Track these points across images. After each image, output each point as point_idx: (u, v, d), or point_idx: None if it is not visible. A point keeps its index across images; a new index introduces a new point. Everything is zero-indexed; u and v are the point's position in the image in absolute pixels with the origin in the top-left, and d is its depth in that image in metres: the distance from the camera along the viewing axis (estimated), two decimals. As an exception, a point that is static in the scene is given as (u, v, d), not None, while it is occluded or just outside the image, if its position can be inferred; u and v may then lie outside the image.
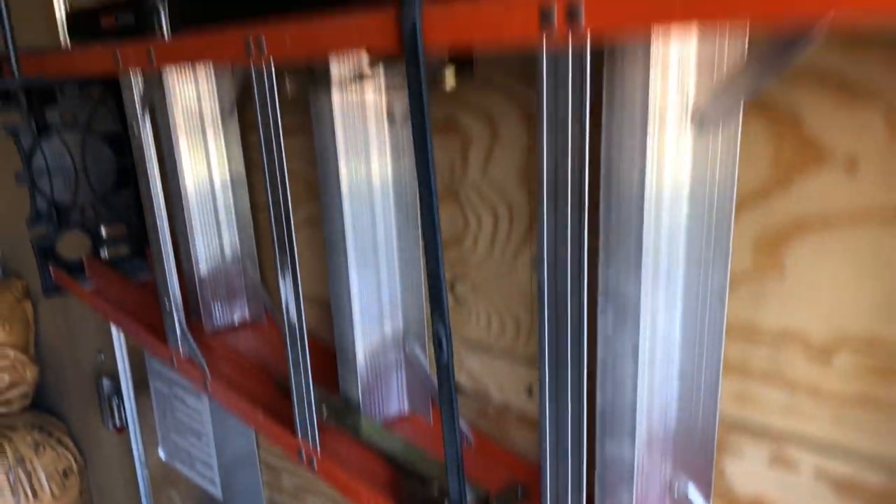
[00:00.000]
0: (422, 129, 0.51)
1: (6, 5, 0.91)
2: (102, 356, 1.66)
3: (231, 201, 1.03)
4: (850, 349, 0.53)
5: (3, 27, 0.92)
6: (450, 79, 0.58)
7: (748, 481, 0.61)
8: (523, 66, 0.67)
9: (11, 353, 1.84)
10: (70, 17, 1.34)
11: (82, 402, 1.84)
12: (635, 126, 0.51)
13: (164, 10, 1.03)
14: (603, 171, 0.53)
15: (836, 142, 0.51)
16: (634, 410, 0.57)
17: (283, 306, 0.75)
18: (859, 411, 0.53)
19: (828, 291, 0.53)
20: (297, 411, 0.79)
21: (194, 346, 0.93)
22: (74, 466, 1.87)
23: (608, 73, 0.51)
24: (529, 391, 0.76)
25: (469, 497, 0.70)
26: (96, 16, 1.23)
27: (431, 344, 0.60)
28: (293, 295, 0.73)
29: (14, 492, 1.74)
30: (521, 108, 0.69)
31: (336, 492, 0.80)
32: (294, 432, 0.80)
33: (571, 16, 0.42)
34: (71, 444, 1.89)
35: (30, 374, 1.89)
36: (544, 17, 0.43)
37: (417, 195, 0.71)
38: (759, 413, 0.59)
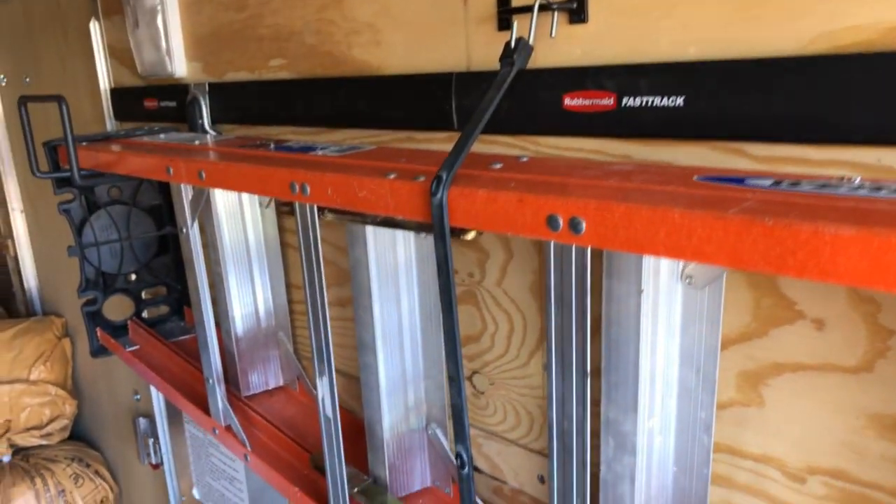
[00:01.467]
0: (448, 291, 0.59)
1: (67, 110, 1.00)
2: (139, 397, 1.76)
3: (267, 280, 1.12)
4: (820, 477, 0.61)
5: (64, 127, 1.01)
6: (471, 235, 0.67)
7: (733, 581, 0.69)
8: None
9: (52, 389, 1.95)
10: (114, 92, 1.44)
11: (119, 436, 1.94)
12: (630, 286, 0.59)
13: (206, 104, 1.13)
14: (604, 327, 0.61)
15: (807, 304, 0.59)
16: (632, 523, 0.65)
17: (320, 403, 0.84)
18: (827, 532, 0.62)
19: (800, 425, 0.62)
20: (330, 492, 0.88)
21: (235, 420, 1.02)
22: (111, 497, 1.98)
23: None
24: (542, 479, 0.85)
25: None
26: (140, 96, 1.33)
27: (451, 424, 0.67)
28: (329, 395, 0.82)
29: (55, 522, 1.85)
30: (533, 234, 0.77)
31: (366, 563, 0.89)
32: (328, 509, 0.89)
33: (575, 226, 0.50)
34: (108, 475, 2.00)
35: (69, 407, 2.00)
36: (551, 223, 0.51)
37: (439, 303, 0.80)
38: (743, 522, 0.67)
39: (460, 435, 0.65)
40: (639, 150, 0.66)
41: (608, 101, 0.66)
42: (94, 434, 2.09)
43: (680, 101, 0.61)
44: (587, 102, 0.68)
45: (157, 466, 1.74)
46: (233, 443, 1.04)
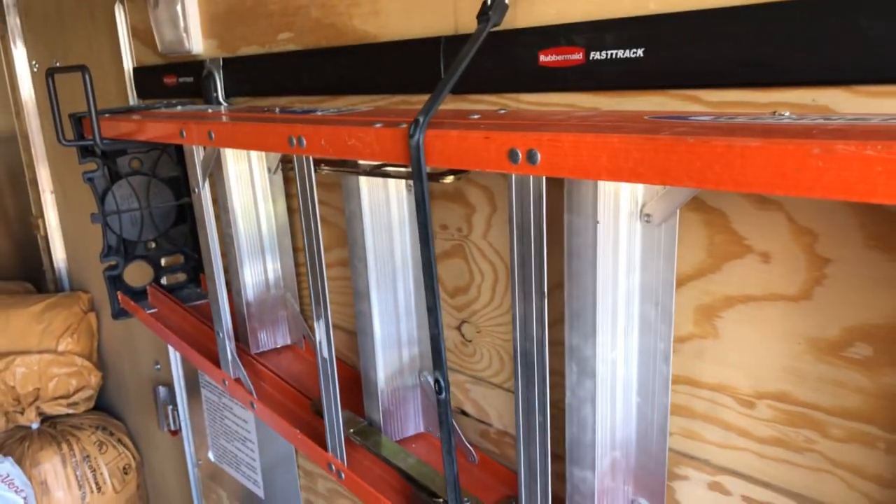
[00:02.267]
0: (425, 228, 0.65)
1: (90, 80, 1.08)
2: (159, 366, 1.85)
3: (275, 243, 1.19)
4: (767, 401, 0.66)
5: (87, 99, 1.09)
6: (449, 178, 0.73)
7: (692, 502, 0.74)
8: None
9: (79, 360, 2.04)
10: (136, 71, 1.52)
11: (140, 406, 2.03)
12: (588, 219, 0.65)
13: (220, 78, 1.20)
14: (566, 258, 0.67)
15: (755, 239, 0.64)
16: (594, 445, 0.70)
17: (318, 346, 0.90)
18: (774, 450, 0.66)
19: (749, 354, 0.67)
20: (328, 431, 0.94)
21: (243, 372, 1.09)
22: (133, 464, 2.06)
23: (568, 182, 0.65)
24: (523, 420, 0.90)
25: (469, 509, 0.84)
26: (160, 73, 1.41)
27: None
28: (325, 338, 0.88)
29: (80, 486, 1.94)
30: (514, 187, 0.83)
31: (360, 500, 0.95)
32: (325, 448, 0.95)
33: (531, 157, 0.56)
34: (130, 444, 2.08)
35: (94, 379, 2.10)
36: (511, 156, 0.57)
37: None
38: (701, 447, 0.72)
39: (437, 363, 0.71)
40: (606, 102, 0.72)
41: (578, 56, 0.72)
42: (117, 404, 2.19)
43: (640, 52, 0.66)
44: (560, 58, 0.73)
45: (176, 433, 1.82)
46: (241, 393, 1.11)
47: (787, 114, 0.54)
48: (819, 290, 0.61)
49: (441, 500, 0.85)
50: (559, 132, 0.54)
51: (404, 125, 0.67)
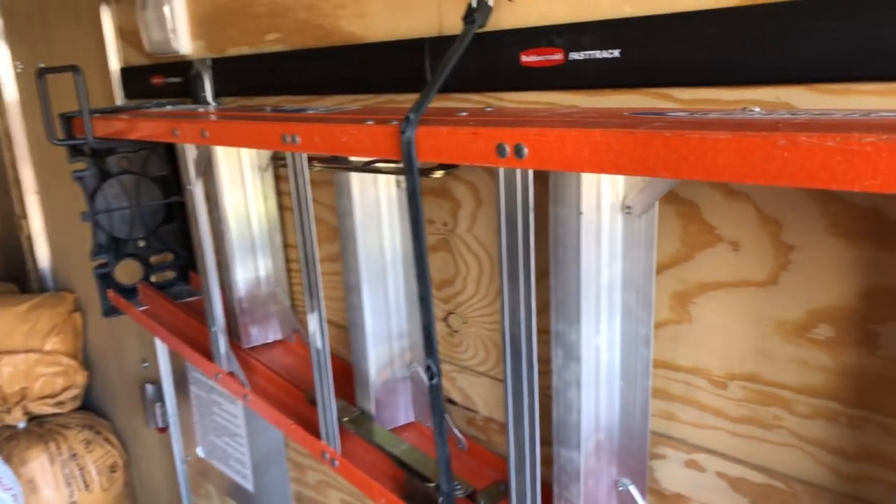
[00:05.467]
0: (416, 221, 0.69)
1: (83, 80, 1.10)
2: (147, 364, 1.86)
3: (266, 239, 1.21)
4: (738, 382, 0.70)
5: (80, 98, 1.11)
6: (438, 173, 0.76)
7: (671, 480, 0.78)
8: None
9: (64, 360, 2.05)
10: (123, 71, 1.54)
11: (126, 404, 2.04)
12: (572, 210, 0.68)
13: (209, 78, 1.22)
14: (551, 247, 0.71)
15: (725, 229, 0.68)
16: (580, 426, 0.74)
17: (311, 337, 0.93)
18: (746, 427, 0.71)
19: (721, 337, 0.71)
20: (321, 420, 0.97)
21: (237, 364, 1.12)
22: (120, 462, 2.08)
23: (553, 176, 0.68)
24: (509, 406, 0.94)
25: (459, 493, 0.88)
26: (147, 73, 1.43)
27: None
28: (319, 329, 0.91)
29: (68, 484, 1.95)
30: (499, 182, 0.86)
31: (353, 487, 0.98)
32: (319, 437, 0.99)
33: (518, 152, 0.60)
34: (116, 442, 2.10)
35: (80, 378, 2.10)
36: (499, 150, 0.61)
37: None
38: (678, 428, 0.76)
39: (429, 350, 0.75)
40: (585, 100, 0.76)
41: (558, 57, 0.75)
42: (104, 404, 2.19)
43: (617, 52, 0.70)
44: (541, 59, 0.77)
45: (164, 430, 1.84)
46: (234, 385, 1.14)
47: (757, 109, 0.58)
48: (784, 275, 0.65)
49: (433, 484, 0.88)
50: (544, 128, 0.58)
51: (395, 122, 0.71)
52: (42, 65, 1.92)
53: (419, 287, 0.73)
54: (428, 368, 0.76)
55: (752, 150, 0.47)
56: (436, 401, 0.77)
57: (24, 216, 2.25)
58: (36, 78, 1.18)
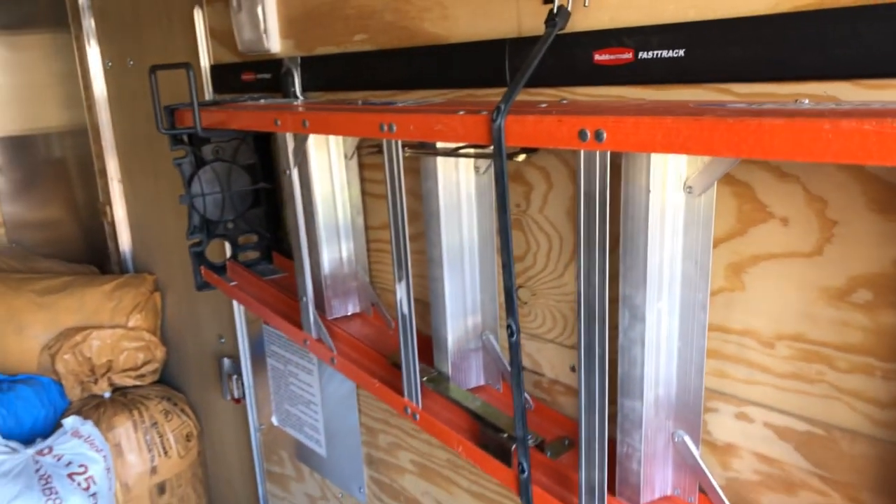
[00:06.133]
0: (503, 198, 0.80)
1: (194, 75, 1.24)
2: (224, 339, 2.01)
3: (350, 221, 1.34)
4: (785, 342, 0.80)
5: (190, 88, 1.25)
6: (521, 157, 0.88)
7: (722, 431, 0.88)
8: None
9: (146, 335, 2.22)
10: (213, 68, 1.68)
11: (202, 377, 2.20)
12: (641, 188, 0.79)
13: (298, 75, 1.35)
14: (622, 221, 0.81)
15: (776, 207, 0.78)
16: (643, 380, 0.85)
17: (398, 303, 1.05)
18: (791, 382, 0.80)
19: (770, 302, 0.81)
20: (404, 377, 1.09)
21: (325, 330, 1.25)
22: (195, 432, 2.24)
23: (625, 159, 0.79)
24: (573, 369, 1.05)
25: (531, 442, 0.99)
26: (238, 70, 1.57)
27: (502, 332, 0.88)
28: (406, 296, 1.03)
29: (150, 449, 2.12)
30: (569, 167, 0.97)
31: (431, 439, 1.10)
32: (401, 394, 1.11)
33: (598, 136, 0.70)
34: (191, 413, 2.26)
35: (159, 353, 2.27)
36: (581, 135, 0.72)
37: (495, 226, 1.02)
38: (730, 384, 0.86)
39: (510, 310, 0.86)
40: (652, 94, 0.86)
41: (628, 56, 0.86)
42: (179, 378, 2.36)
43: (682, 52, 0.81)
44: (612, 57, 0.88)
45: (239, 400, 1.98)
46: (322, 350, 1.26)
47: (807, 101, 0.68)
48: (829, 247, 0.75)
49: (506, 434, 0.99)
50: (621, 115, 0.69)
51: (484, 112, 0.82)
52: (131, 62, 2.09)
53: (503, 255, 0.84)
54: (508, 327, 0.87)
55: (802, 133, 0.57)
56: (514, 356, 0.88)
57: (109, 203, 2.43)
58: (149, 74, 1.32)
